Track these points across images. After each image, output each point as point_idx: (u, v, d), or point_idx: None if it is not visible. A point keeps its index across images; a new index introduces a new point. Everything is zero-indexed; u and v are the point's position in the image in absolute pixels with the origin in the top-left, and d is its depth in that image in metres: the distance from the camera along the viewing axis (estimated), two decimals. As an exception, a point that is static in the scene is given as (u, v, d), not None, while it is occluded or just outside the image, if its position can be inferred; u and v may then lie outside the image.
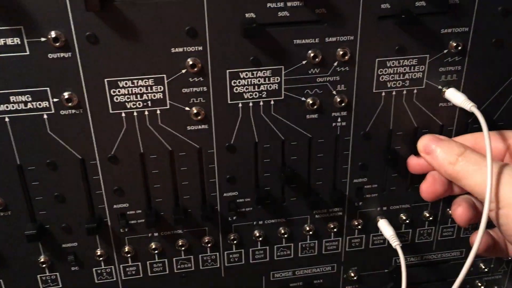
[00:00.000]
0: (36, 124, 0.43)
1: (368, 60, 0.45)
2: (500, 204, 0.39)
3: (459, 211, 0.46)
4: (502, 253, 0.49)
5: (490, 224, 0.42)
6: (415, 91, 0.47)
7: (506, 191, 0.39)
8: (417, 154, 0.47)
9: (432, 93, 0.48)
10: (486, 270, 0.60)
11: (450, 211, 0.55)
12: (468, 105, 0.45)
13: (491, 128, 0.44)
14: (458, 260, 0.59)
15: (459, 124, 0.49)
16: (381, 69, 0.46)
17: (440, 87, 0.47)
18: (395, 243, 0.51)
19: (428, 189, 0.47)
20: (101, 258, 0.50)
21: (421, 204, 0.54)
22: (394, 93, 0.47)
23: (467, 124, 0.49)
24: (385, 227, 0.53)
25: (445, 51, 0.46)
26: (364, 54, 0.45)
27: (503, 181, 0.40)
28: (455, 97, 0.46)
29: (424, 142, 0.46)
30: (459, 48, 0.45)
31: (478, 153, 0.43)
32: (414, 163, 0.48)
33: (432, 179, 0.47)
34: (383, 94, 0.47)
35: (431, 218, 0.55)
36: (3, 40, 0.39)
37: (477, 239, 0.40)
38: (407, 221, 0.54)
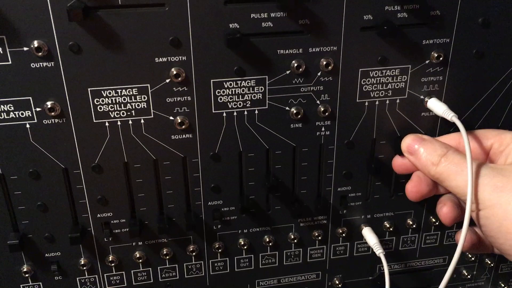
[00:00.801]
0: (18, 134, 0.43)
1: (351, 70, 0.46)
2: (480, 206, 0.40)
3: (444, 210, 0.47)
4: (487, 249, 0.49)
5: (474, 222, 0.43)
6: (397, 100, 0.48)
7: (485, 193, 0.40)
8: (401, 154, 0.47)
9: (414, 103, 0.48)
10: (469, 277, 0.60)
11: (433, 219, 0.55)
12: (449, 115, 0.45)
13: (472, 137, 0.45)
14: (441, 267, 0.60)
15: (441, 133, 0.50)
16: (364, 79, 0.46)
17: (422, 97, 0.48)
18: (378, 251, 0.51)
19: (413, 188, 0.47)
20: (84, 268, 0.50)
21: (404, 212, 0.55)
22: (377, 102, 0.48)
23: (449, 133, 0.50)
24: (369, 235, 0.53)
25: (427, 61, 0.46)
26: (347, 65, 0.45)
27: (483, 182, 0.40)
28: (437, 107, 0.47)
29: (408, 142, 0.46)
30: (441, 58, 0.46)
31: (461, 154, 0.43)
32: (398, 163, 0.48)
33: (417, 179, 0.47)
34: (366, 103, 0.47)
35: (414, 226, 0.55)
36: (-15, 50, 0.39)
37: (460, 241, 0.41)
38: (391, 229, 0.55)
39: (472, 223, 0.41)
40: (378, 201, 0.53)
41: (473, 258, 0.60)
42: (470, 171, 0.40)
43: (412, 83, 0.47)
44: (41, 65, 0.40)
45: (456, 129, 0.46)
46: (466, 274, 0.60)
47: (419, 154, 0.45)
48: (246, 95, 0.45)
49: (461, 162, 0.42)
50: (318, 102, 0.47)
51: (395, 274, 0.58)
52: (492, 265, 0.60)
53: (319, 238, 0.54)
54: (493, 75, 0.48)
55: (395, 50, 0.45)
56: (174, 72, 0.42)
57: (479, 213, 0.40)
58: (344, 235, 0.54)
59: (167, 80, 0.43)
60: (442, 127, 0.50)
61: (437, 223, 0.55)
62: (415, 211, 0.55)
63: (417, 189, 0.47)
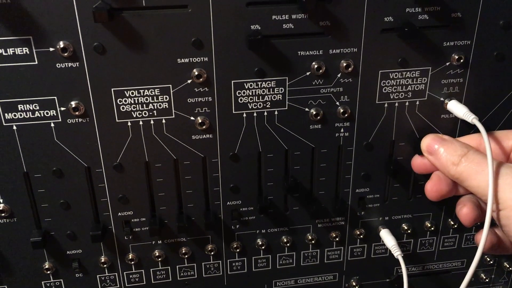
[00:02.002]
0: (43, 132, 0.43)
1: (371, 72, 0.46)
2: (501, 206, 0.40)
3: (464, 211, 0.46)
4: (507, 250, 0.49)
5: (495, 222, 0.43)
6: (417, 102, 0.48)
7: (506, 193, 0.40)
8: (421, 153, 0.47)
9: (434, 105, 0.48)
10: (487, 280, 0.60)
11: (451, 222, 0.55)
12: (470, 117, 0.45)
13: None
14: (460, 270, 0.59)
15: (461, 135, 0.50)
16: (384, 81, 0.46)
17: (442, 99, 0.48)
18: (396, 253, 0.51)
19: (433, 188, 0.47)
20: (105, 265, 0.51)
21: (422, 214, 0.55)
22: (396, 104, 0.48)
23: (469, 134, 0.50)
24: (387, 237, 0.53)
25: (447, 63, 0.46)
26: (367, 66, 0.45)
27: (504, 182, 0.40)
28: (457, 109, 0.47)
29: (427, 142, 0.46)
30: (461, 61, 0.46)
31: (481, 154, 0.43)
32: (418, 163, 0.48)
33: (437, 178, 0.47)
34: (386, 105, 0.48)
35: (432, 228, 0.55)
36: (12, 50, 0.40)
37: (482, 241, 0.40)
38: (409, 231, 0.55)
39: (492, 223, 0.41)
40: (396, 203, 0.53)
41: (491, 262, 0.59)
42: (491, 172, 0.40)
43: (432, 85, 0.47)
44: (66, 65, 0.41)
45: (477, 131, 0.46)
46: (484, 277, 0.60)
47: (439, 154, 0.44)
48: (266, 96, 0.45)
49: (481, 162, 0.42)
50: (337, 103, 0.47)
51: (413, 277, 0.58)
52: (510, 268, 0.59)
53: (337, 239, 0.54)
54: (513, 78, 0.48)
55: (415, 52, 0.45)
56: (196, 73, 0.43)
57: (500, 213, 0.40)
58: (361, 236, 0.54)
59: (189, 81, 0.43)
60: (462, 129, 0.49)
61: (455, 226, 0.55)
62: (433, 214, 0.55)
63: (436, 188, 0.47)
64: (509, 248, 0.48)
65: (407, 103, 0.48)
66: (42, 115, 0.43)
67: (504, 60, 0.47)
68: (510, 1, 0.44)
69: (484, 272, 0.60)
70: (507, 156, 0.46)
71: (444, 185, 0.46)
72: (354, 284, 0.58)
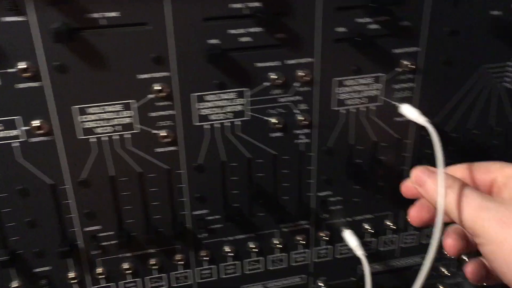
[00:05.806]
0: (7, 152, 0.43)
1: (327, 80, 0.48)
2: (487, 241, 0.39)
3: (449, 242, 0.46)
4: (499, 279, 0.48)
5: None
6: (372, 107, 0.50)
7: (491, 228, 0.39)
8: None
9: (388, 109, 0.50)
10: (448, 274, 0.62)
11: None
12: (421, 120, 0.47)
13: (444, 140, 0.47)
14: (421, 266, 0.62)
15: (415, 137, 0.52)
16: (340, 88, 0.48)
17: (395, 103, 0.50)
18: (359, 252, 0.53)
19: (415, 213, 0.47)
20: (74, 281, 0.51)
21: (383, 213, 0.57)
22: (353, 110, 0.50)
23: (422, 136, 0.52)
24: (349, 238, 0.55)
25: (399, 69, 0.49)
26: (323, 75, 0.47)
27: (489, 217, 0.39)
28: (410, 112, 0.49)
29: (416, 174, 0.46)
30: (412, 66, 0.48)
31: (469, 187, 0.42)
32: (407, 189, 0.48)
33: (419, 205, 0.47)
34: (342, 111, 0.50)
35: (393, 227, 0.57)
36: (-29, 72, 0.40)
37: (433, 246, 0.41)
38: (371, 231, 0.57)
39: (479, 254, 0.42)
40: (358, 204, 0.55)
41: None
42: (442, 176, 0.41)
43: (385, 91, 0.49)
44: (28, 86, 0.41)
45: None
46: (444, 270, 0.62)
47: (427, 185, 0.45)
48: (227, 107, 0.47)
49: (468, 194, 0.41)
50: (296, 111, 0.48)
51: (377, 274, 0.60)
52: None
53: (302, 242, 0.56)
54: (461, 81, 0.51)
55: (368, 59, 0.48)
56: (157, 88, 0.44)
57: (485, 248, 0.40)
58: (326, 238, 0.56)
59: (151, 96, 0.44)
60: (415, 131, 0.52)
61: (414, 223, 0.58)
62: (393, 213, 0.57)
63: (417, 215, 0.47)
64: (499, 278, 0.48)
65: (362, 109, 0.50)
66: (6, 135, 0.43)
67: (451, 65, 0.49)
68: (456, 9, 0.47)
69: (444, 265, 0.62)
70: (490, 189, 0.46)
71: (425, 212, 0.46)
72: (321, 284, 0.59)
